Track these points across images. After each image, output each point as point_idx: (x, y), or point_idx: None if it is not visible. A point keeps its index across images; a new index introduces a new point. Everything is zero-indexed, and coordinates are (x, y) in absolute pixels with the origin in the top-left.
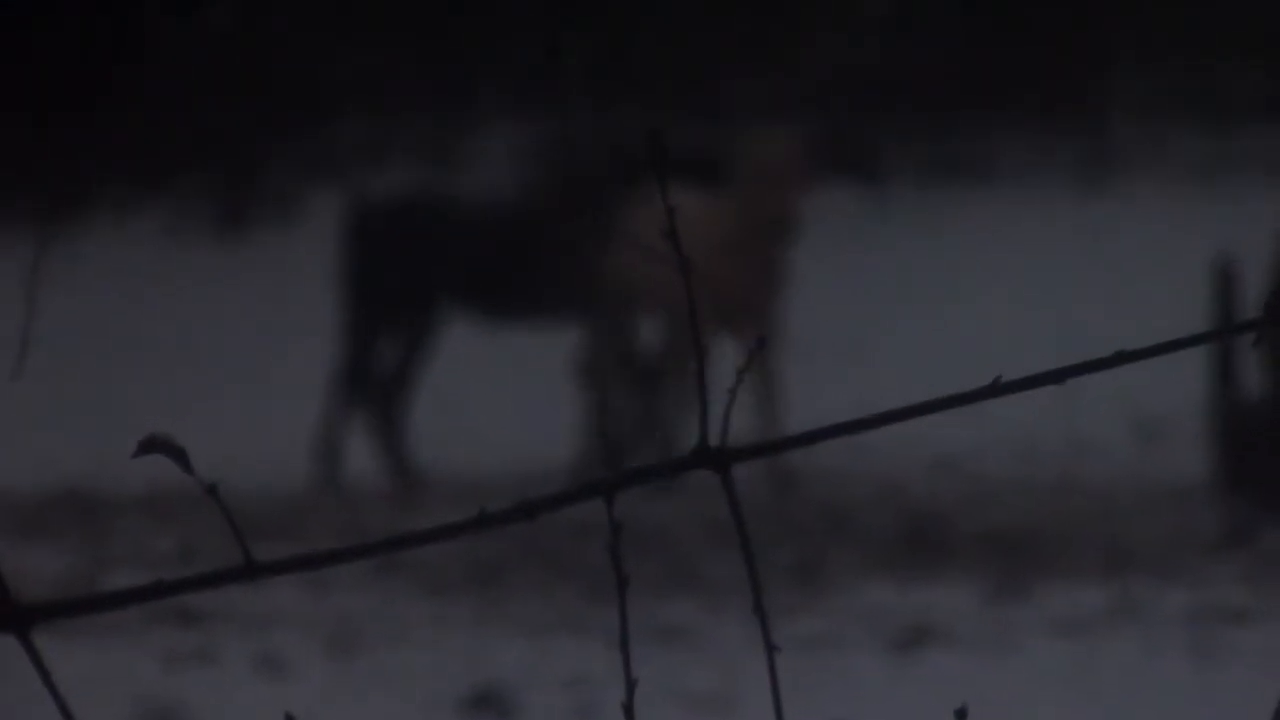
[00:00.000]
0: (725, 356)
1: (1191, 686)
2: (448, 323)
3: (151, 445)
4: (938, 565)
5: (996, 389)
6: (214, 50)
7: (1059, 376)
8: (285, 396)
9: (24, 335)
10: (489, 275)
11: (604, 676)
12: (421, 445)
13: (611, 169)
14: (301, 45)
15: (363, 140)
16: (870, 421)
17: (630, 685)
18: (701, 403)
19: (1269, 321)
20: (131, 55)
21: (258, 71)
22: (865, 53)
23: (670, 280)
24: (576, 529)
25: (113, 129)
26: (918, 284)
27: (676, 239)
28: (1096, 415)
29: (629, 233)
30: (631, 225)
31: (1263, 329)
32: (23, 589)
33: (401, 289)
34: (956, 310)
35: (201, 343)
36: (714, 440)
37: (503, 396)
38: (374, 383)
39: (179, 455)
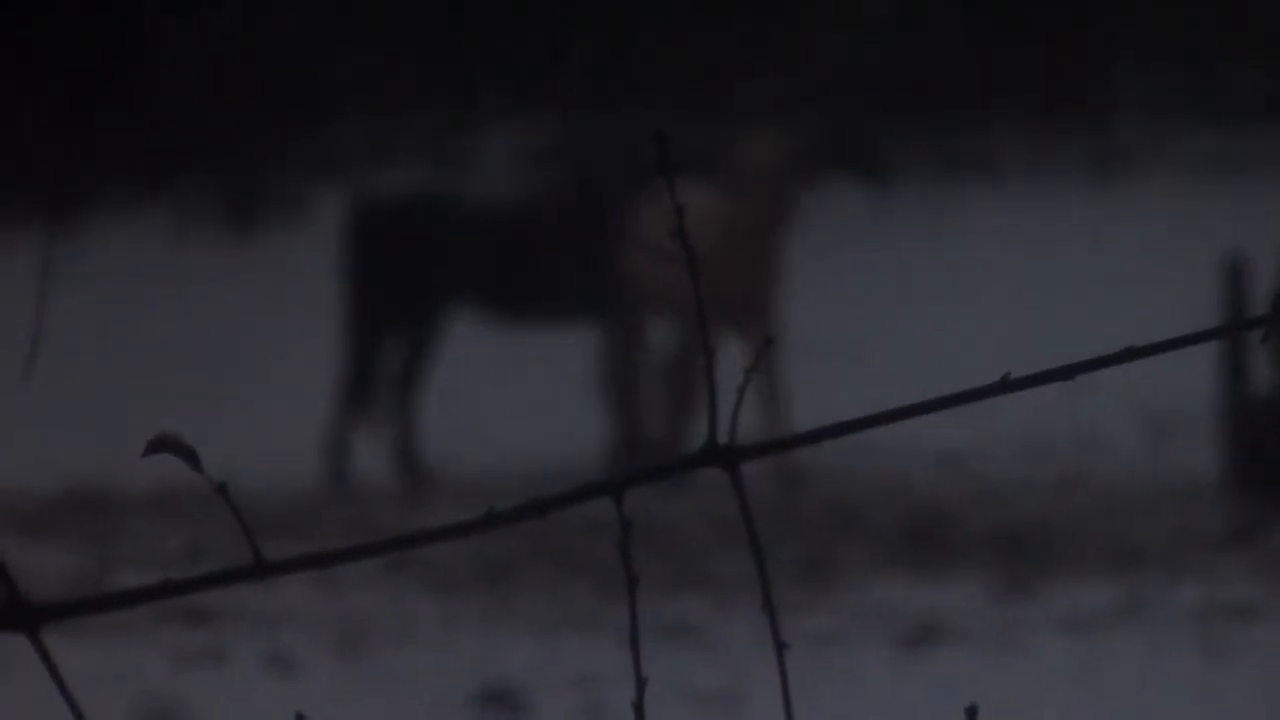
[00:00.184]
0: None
1: (1200, 684)
2: (453, 322)
3: (161, 444)
4: (945, 563)
5: (1005, 386)
6: (217, 50)
7: (1067, 373)
8: (292, 395)
9: (34, 336)
10: (495, 275)
11: (613, 675)
12: (431, 444)
13: (617, 169)
14: (304, 45)
15: (366, 140)
16: (878, 419)
17: (640, 684)
18: (710, 401)
19: (1278, 318)
20: (135, 55)
21: (261, 71)
22: (868, 52)
23: (677, 280)
24: (586, 527)
25: (117, 129)
26: (922, 282)
27: (685, 238)
28: (1105, 412)
29: (636, 233)
30: (638, 225)
31: (1271, 325)
32: (31, 588)
33: (404, 288)
34: (962, 309)
35: (208, 342)
36: (722, 438)
37: (512, 395)
38: (379, 383)
39: (188, 454)
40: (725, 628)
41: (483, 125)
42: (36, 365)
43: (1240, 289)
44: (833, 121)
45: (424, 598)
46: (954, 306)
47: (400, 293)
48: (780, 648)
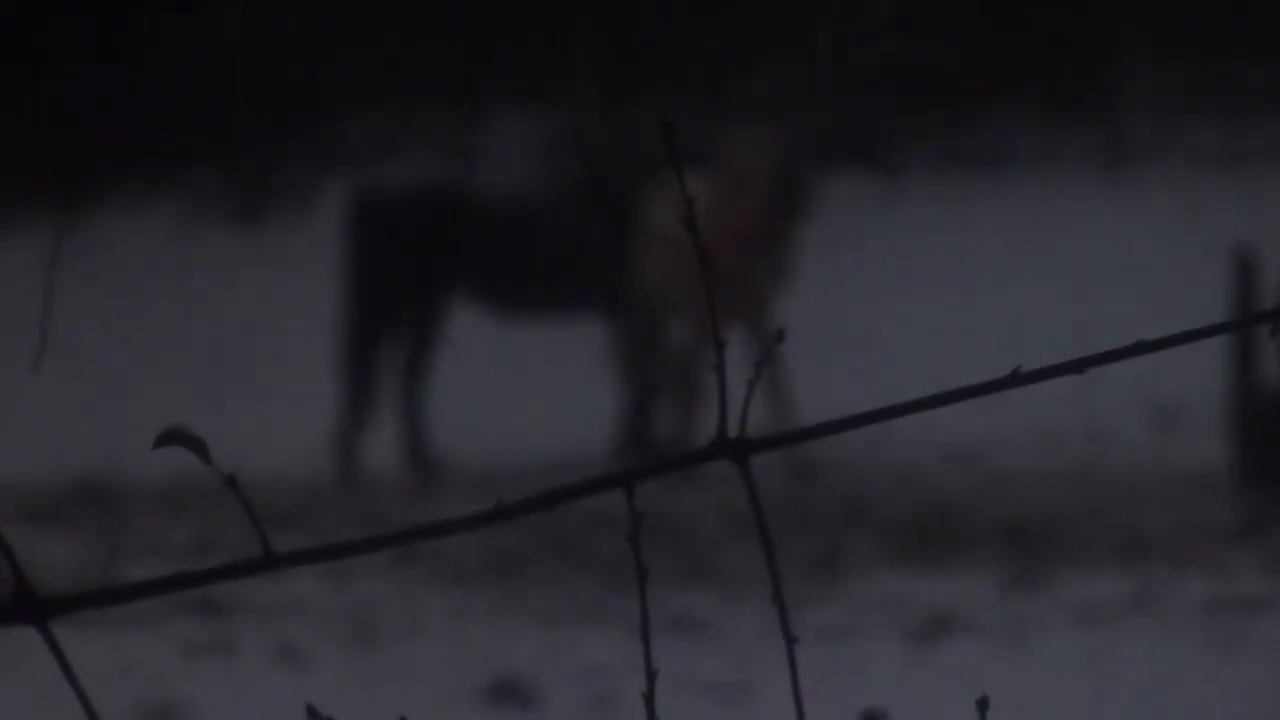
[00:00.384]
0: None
1: (1209, 676)
2: (458, 315)
3: (171, 437)
4: (956, 555)
5: (1016, 379)
6: (225, 44)
7: (1078, 366)
8: (302, 387)
9: (42, 330)
10: (499, 268)
11: (623, 667)
12: (440, 437)
13: (624, 162)
14: (312, 39)
15: (374, 134)
16: (889, 412)
17: (651, 675)
18: (720, 394)
19: None
20: (142, 50)
21: (268, 65)
22: (878, 45)
23: (683, 271)
24: (595, 520)
25: (125, 124)
26: (932, 276)
27: (695, 229)
28: (1115, 405)
29: (643, 224)
30: (645, 217)
31: None
32: (41, 580)
33: (407, 280)
34: (972, 302)
35: (216, 335)
36: (732, 431)
37: (521, 388)
38: (381, 375)
39: (198, 446)
40: (735, 620)
41: (490, 119)
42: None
43: (1250, 282)
44: (841, 116)
45: (433, 590)
46: (964, 300)
47: (403, 284)
48: (790, 640)
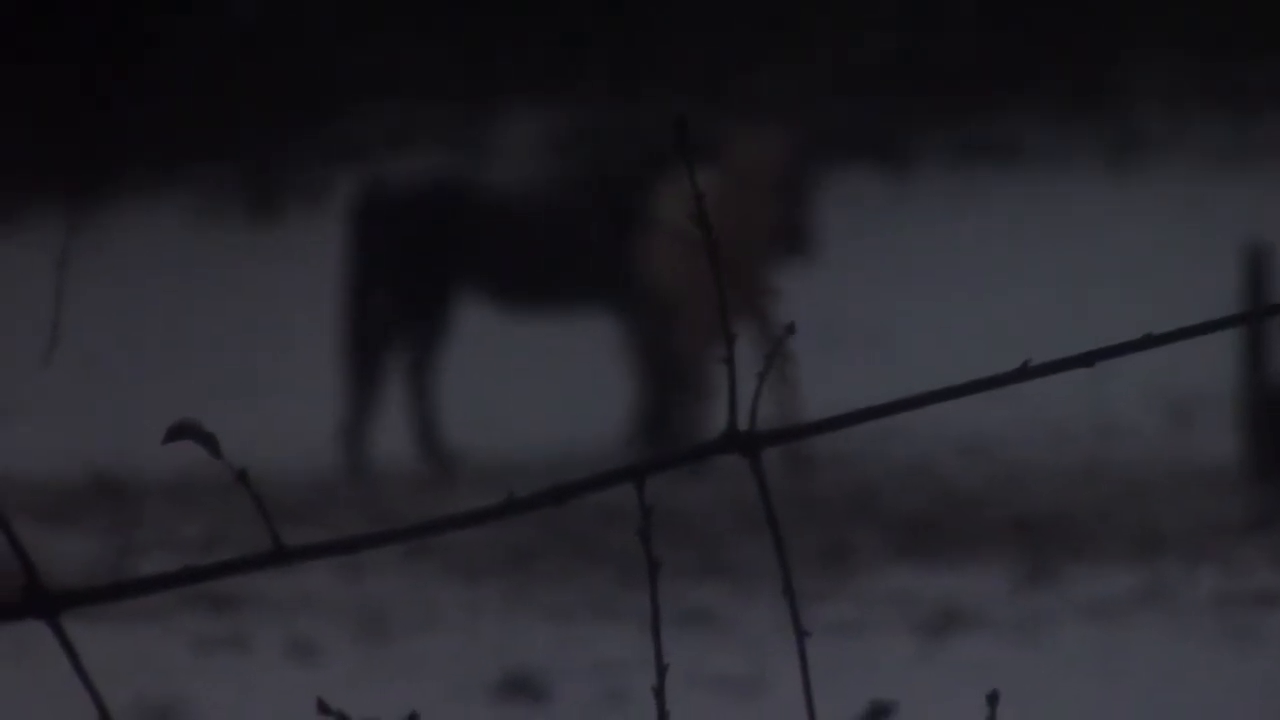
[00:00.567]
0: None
1: (1221, 670)
2: (467, 309)
3: (181, 431)
4: (966, 550)
5: (1025, 372)
6: (237, 38)
7: (1088, 359)
8: (312, 382)
9: (54, 323)
10: (507, 262)
11: (634, 661)
12: (451, 432)
13: (634, 156)
14: (324, 32)
15: (386, 128)
16: (899, 405)
17: (661, 670)
18: (730, 387)
19: None
20: (155, 44)
21: (281, 59)
22: (885, 40)
23: (692, 264)
24: (606, 514)
25: (137, 117)
26: (942, 269)
27: (706, 225)
28: (1125, 399)
29: (652, 217)
30: (654, 210)
31: None
32: (52, 575)
33: (412, 274)
34: (981, 295)
35: (228, 330)
36: (742, 425)
37: (532, 383)
38: (385, 369)
39: (209, 441)
40: (745, 614)
41: (502, 113)
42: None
43: (1260, 276)
44: (848, 111)
45: (445, 584)
46: (972, 295)
47: (408, 279)
48: (801, 634)
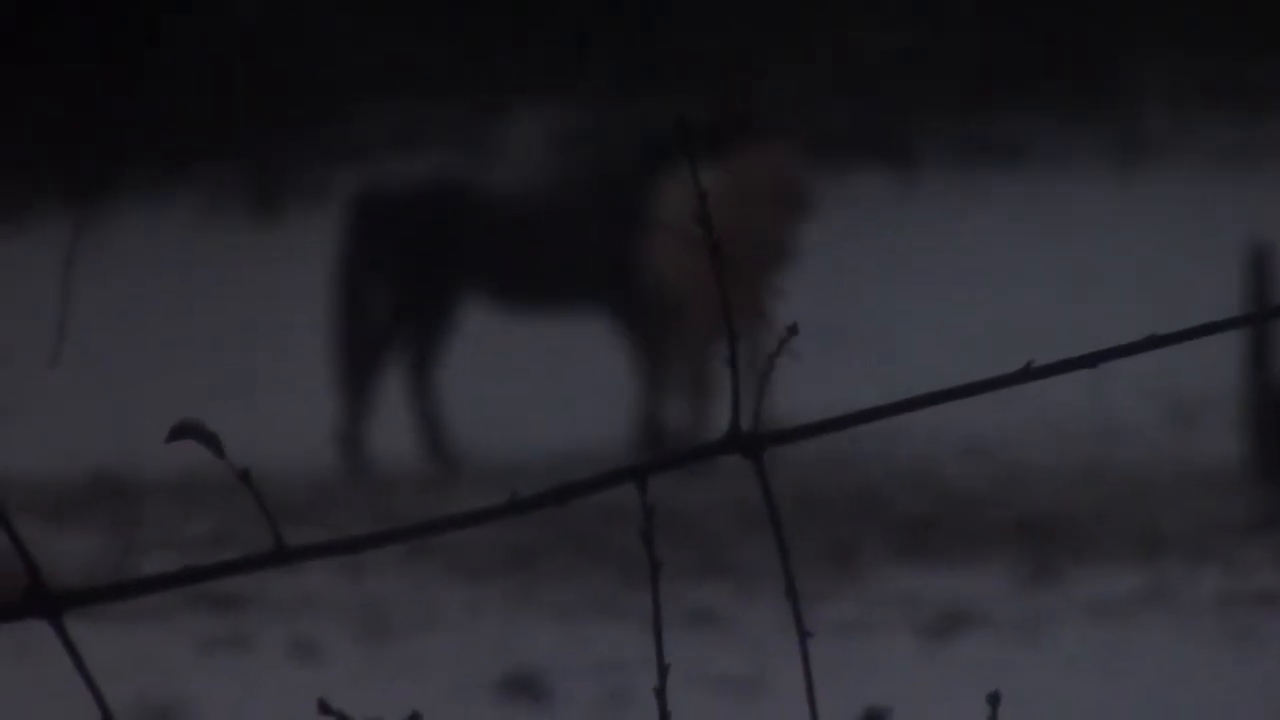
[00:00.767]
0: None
1: (1224, 671)
2: (469, 310)
3: (184, 431)
4: (969, 551)
5: (1029, 373)
6: (243, 36)
7: (1091, 361)
8: (316, 381)
9: (60, 322)
10: (505, 262)
11: (637, 661)
12: (454, 431)
13: (639, 154)
14: (330, 31)
15: (392, 127)
16: (903, 406)
17: (663, 670)
18: (734, 388)
19: None
20: (160, 41)
21: (286, 57)
22: (891, 39)
23: (695, 264)
24: (609, 514)
25: (142, 115)
26: (947, 270)
27: (709, 224)
28: (1129, 400)
29: (655, 216)
30: (657, 209)
31: None
32: (55, 574)
33: (408, 275)
34: (986, 296)
35: (232, 329)
36: (745, 425)
37: (535, 382)
38: (379, 371)
39: (211, 440)
40: (748, 615)
41: (505, 113)
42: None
43: (1264, 277)
44: (853, 111)
45: (447, 584)
46: (976, 294)
47: (406, 278)
48: (803, 635)
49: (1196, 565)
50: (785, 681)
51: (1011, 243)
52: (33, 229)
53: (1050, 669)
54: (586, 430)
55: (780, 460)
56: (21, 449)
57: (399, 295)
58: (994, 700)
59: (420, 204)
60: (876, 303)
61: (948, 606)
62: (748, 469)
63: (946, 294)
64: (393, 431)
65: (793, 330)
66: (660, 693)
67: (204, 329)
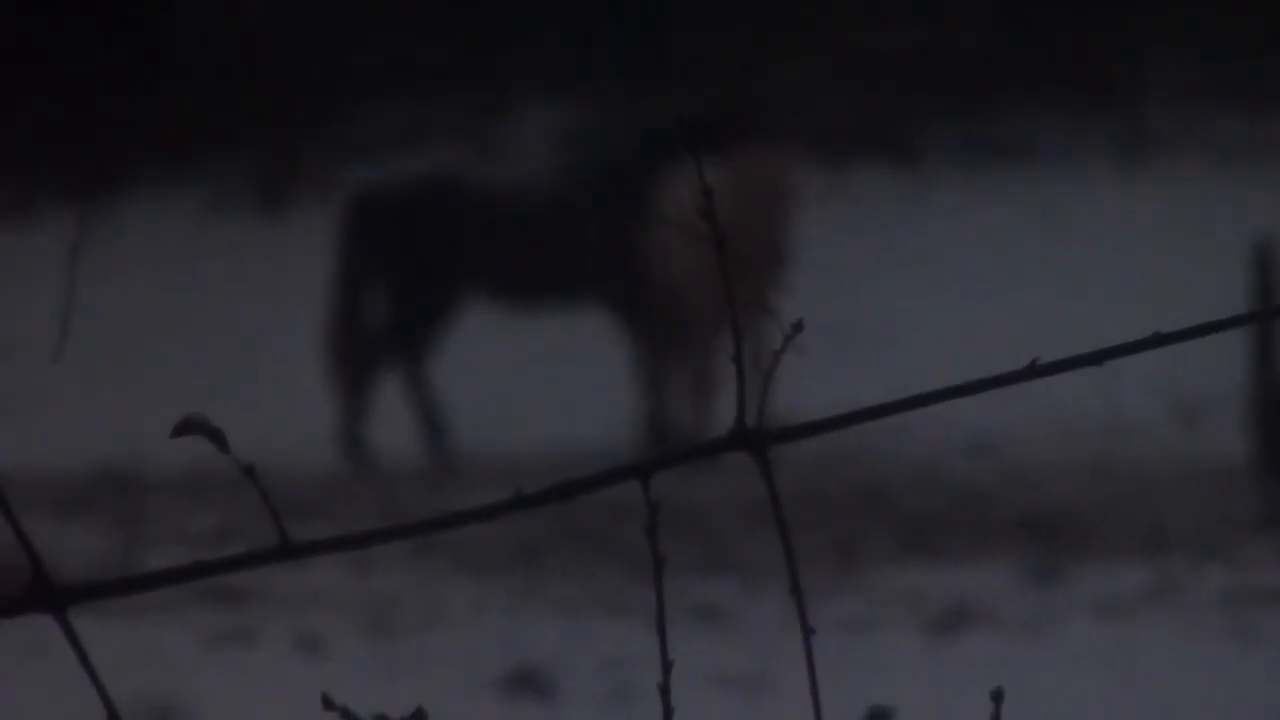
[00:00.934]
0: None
1: (1230, 668)
2: (473, 308)
3: (189, 426)
4: (975, 548)
5: (1034, 370)
6: (250, 31)
7: (1097, 358)
8: (322, 376)
9: (64, 317)
10: (504, 260)
11: (641, 657)
12: (460, 428)
13: (642, 150)
14: (337, 27)
15: (398, 122)
16: (908, 403)
17: (666, 666)
18: (739, 384)
19: None
20: (168, 36)
21: (293, 53)
22: (901, 35)
23: (698, 260)
24: (614, 510)
25: (149, 110)
26: (953, 266)
27: (715, 221)
28: (1135, 397)
29: (657, 213)
30: (659, 205)
31: None
32: (60, 569)
33: (404, 274)
34: (992, 293)
35: (238, 324)
36: (750, 421)
37: (540, 379)
38: (376, 368)
39: (216, 435)
40: (753, 611)
41: (514, 109)
42: (66, 346)
43: (1269, 274)
44: (860, 107)
45: (452, 580)
46: (982, 291)
47: (403, 276)
48: (807, 632)
49: (1201, 562)
50: (789, 678)
51: (1016, 240)
52: (37, 225)
53: (1055, 666)
54: (590, 427)
55: (785, 457)
56: (26, 444)
57: (395, 293)
58: (997, 697)
59: (417, 202)
60: (881, 300)
61: (952, 603)
62: (752, 466)
63: (951, 291)
64: (396, 428)
65: (798, 327)
66: (664, 689)
67: (208, 325)
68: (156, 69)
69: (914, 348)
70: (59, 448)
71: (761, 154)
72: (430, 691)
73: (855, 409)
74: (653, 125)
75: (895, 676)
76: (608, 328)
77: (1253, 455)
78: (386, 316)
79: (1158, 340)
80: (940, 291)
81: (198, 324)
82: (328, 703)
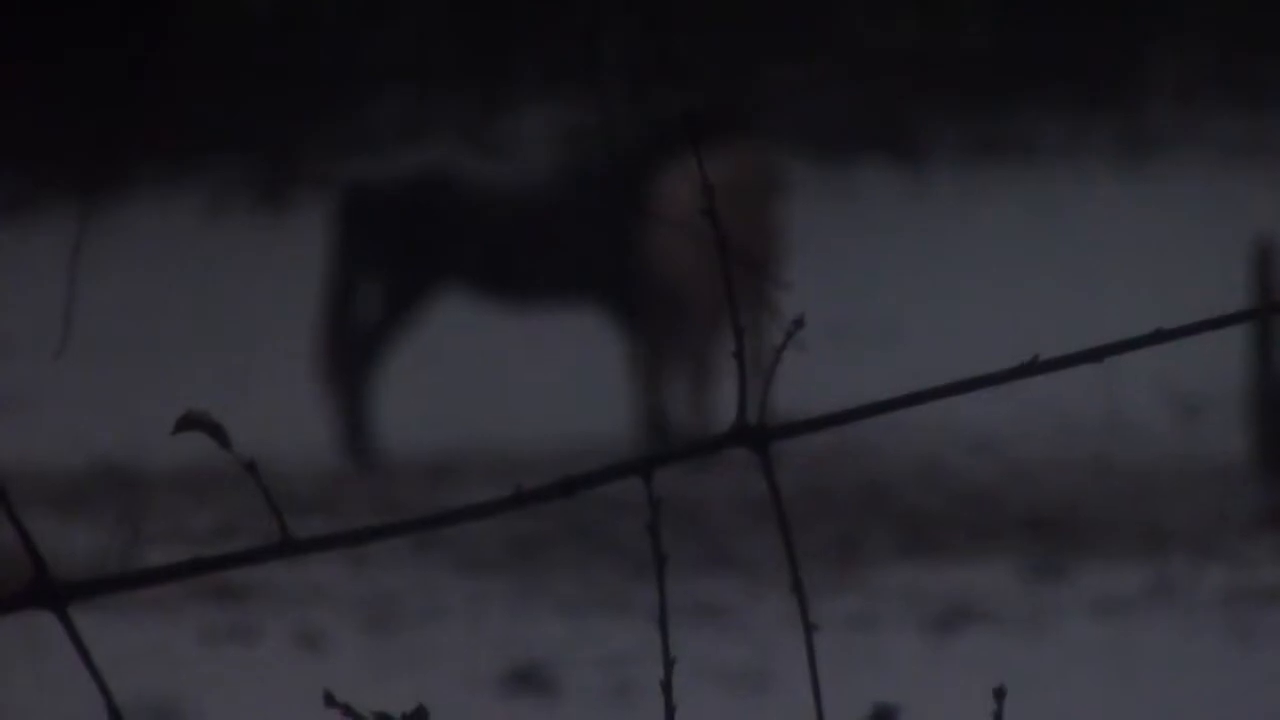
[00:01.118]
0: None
1: (1229, 666)
2: (450, 301)
3: (190, 422)
4: (975, 545)
5: (1034, 367)
6: (252, 29)
7: (1096, 355)
8: (316, 373)
9: (66, 314)
10: (500, 257)
11: (642, 654)
12: (460, 423)
13: (640, 146)
14: (339, 25)
15: (400, 120)
16: (908, 400)
17: (668, 663)
18: (741, 380)
19: None
20: (169, 34)
21: (295, 51)
22: (902, 35)
23: (695, 256)
24: (614, 507)
25: (151, 108)
26: (954, 264)
27: (715, 217)
28: (1135, 394)
29: (654, 208)
30: (657, 203)
31: None
32: (61, 565)
33: (393, 271)
34: (993, 290)
35: (239, 321)
36: (752, 418)
37: (540, 375)
38: (375, 362)
39: (217, 432)
40: (754, 608)
41: (518, 107)
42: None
43: (1270, 272)
44: (863, 104)
45: (453, 576)
46: (985, 288)
47: (390, 273)
48: (809, 629)
49: (1202, 561)
50: (790, 675)
51: (1017, 237)
52: (37, 223)
53: (1055, 664)
54: (590, 424)
55: (786, 454)
56: (27, 440)
57: (386, 288)
58: (1000, 695)
59: (409, 197)
60: (883, 297)
61: (953, 601)
62: (754, 462)
63: (953, 288)
64: (398, 423)
65: (799, 324)
66: (666, 686)
67: (209, 322)
68: (159, 66)
69: (915, 345)
70: (59, 444)
71: (744, 151)
72: (431, 688)
73: (856, 405)
74: (651, 122)
75: (895, 673)
76: (605, 324)
77: (1253, 453)
78: (378, 312)
79: (1158, 337)
80: (941, 289)
81: (199, 321)
82: (329, 700)
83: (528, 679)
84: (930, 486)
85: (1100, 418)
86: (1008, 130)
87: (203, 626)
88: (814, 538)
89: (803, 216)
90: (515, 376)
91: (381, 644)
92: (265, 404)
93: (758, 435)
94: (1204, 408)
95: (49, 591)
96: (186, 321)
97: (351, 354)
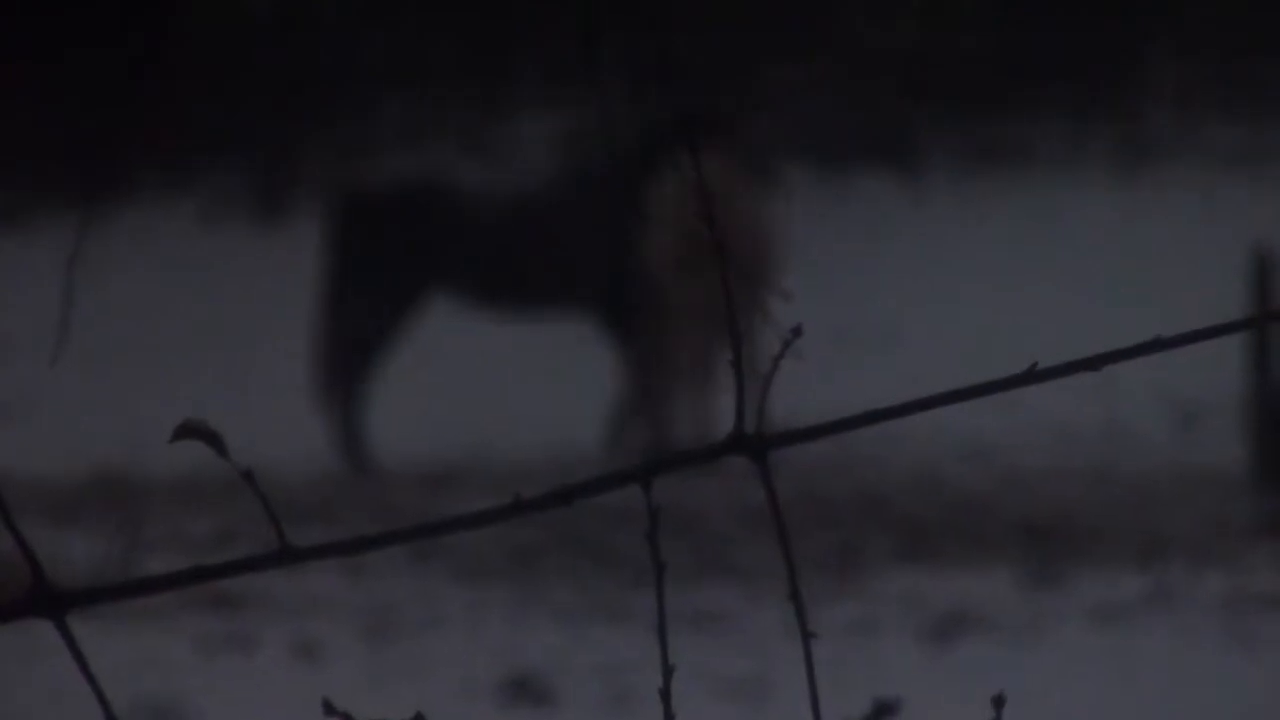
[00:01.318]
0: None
1: (1228, 674)
2: (445, 309)
3: (187, 431)
4: (973, 553)
5: (1032, 375)
6: (250, 35)
7: (1094, 363)
8: (312, 380)
9: (62, 321)
10: (494, 265)
11: (640, 662)
12: (459, 431)
13: (638, 151)
14: (338, 30)
15: (399, 126)
16: (906, 408)
17: (667, 671)
18: (738, 388)
19: None
20: (168, 40)
21: (294, 57)
22: (901, 39)
23: (692, 262)
24: (613, 515)
25: (149, 115)
26: (952, 272)
27: (714, 223)
28: (1133, 403)
29: (649, 213)
30: (652, 208)
31: None
32: (58, 574)
33: (384, 279)
34: (991, 298)
35: (236, 329)
36: (749, 426)
37: (538, 383)
38: (370, 371)
39: (214, 440)
40: (752, 616)
41: (518, 113)
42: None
43: (1268, 280)
44: (861, 110)
45: (451, 585)
46: (983, 296)
47: (380, 284)
48: (807, 636)
49: (1199, 568)
50: (789, 683)
51: (1015, 245)
52: (35, 229)
53: (1054, 671)
54: (587, 432)
55: (784, 462)
56: (25, 448)
57: (381, 296)
58: (998, 703)
59: (404, 205)
60: (881, 304)
61: (951, 609)
62: (751, 470)
63: (951, 296)
64: (396, 432)
65: (796, 332)
66: (665, 694)
67: (208, 328)
68: (157, 71)
69: (914, 352)
70: (57, 452)
71: (736, 156)
72: (429, 697)
73: (854, 414)
74: (650, 124)
75: (893, 681)
76: (601, 331)
77: (1250, 461)
78: (373, 320)
79: (1156, 345)
80: (940, 296)
81: (196, 328)
82: (329, 708)
83: (526, 688)
84: (929, 494)
85: (1098, 426)
86: (1006, 136)
87: (201, 635)
88: (813, 545)
89: (802, 222)
90: (514, 384)
91: (380, 653)
92: (263, 410)
93: (756, 444)
94: (1202, 416)
95: (47, 600)
96: (184, 329)
97: (348, 361)
